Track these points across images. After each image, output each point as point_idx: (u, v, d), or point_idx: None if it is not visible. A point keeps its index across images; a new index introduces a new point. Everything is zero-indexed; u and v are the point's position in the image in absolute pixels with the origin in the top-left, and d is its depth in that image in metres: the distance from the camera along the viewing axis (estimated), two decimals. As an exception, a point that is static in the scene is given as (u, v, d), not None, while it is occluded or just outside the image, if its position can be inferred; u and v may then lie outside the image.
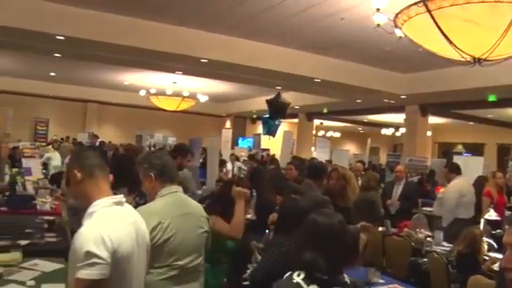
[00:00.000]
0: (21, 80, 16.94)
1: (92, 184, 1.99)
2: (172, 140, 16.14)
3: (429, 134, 16.50)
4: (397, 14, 4.79)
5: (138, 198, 3.66)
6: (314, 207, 2.55)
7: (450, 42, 4.48)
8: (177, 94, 15.96)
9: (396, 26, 5.05)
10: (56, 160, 9.48)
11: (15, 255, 3.19)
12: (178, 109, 17.11)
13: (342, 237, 2.19)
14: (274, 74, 10.57)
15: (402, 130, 16.78)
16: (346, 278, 2.13)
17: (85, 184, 1.99)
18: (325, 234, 2.14)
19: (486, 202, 6.77)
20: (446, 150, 20.55)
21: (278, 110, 12.55)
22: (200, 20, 8.53)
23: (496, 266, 4.34)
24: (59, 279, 2.85)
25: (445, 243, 5.54)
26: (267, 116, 12.94)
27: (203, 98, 16.53)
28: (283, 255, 2.73)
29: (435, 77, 10.70)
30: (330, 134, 24.56)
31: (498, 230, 5.84)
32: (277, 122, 12.68)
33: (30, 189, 6.16)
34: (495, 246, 5.23)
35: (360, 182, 7.01)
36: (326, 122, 22.03)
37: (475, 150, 18.68)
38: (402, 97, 12.28)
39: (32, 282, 2.81)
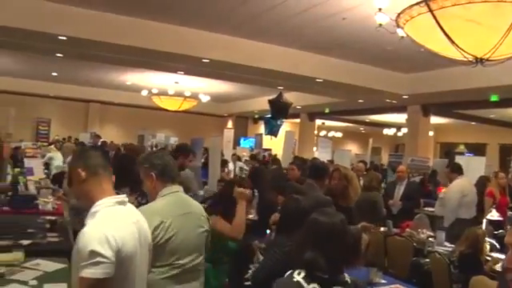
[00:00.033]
0: (23, 80, 16.96)
1: (95, 183, 2.00)
2: (174, 140, 16.13)
3: (431, 134, 16.47)
4: (399, 14, 4.78)
5: (140, 197, 3.66)
6: (316, 207, 2.54)
7: (452, 42, 4.47)
8: (179, 94, 15.96)
9: (398, 26, 5.05)
10: (58, 160, 9.49)
11: (17, 255, 3.20)
12: (180, 109, 17.12)
13: (342, 236, 2.19)
14: (276, 74, 10.57)
15: (404, 130, 16.76)
16: (347, 278, 2.14)
17: (88, 183, 1.99)
18: (326, 233, 2.15)
19: (489, 202, 6.77)
20: (448, 150, 20.54)
21: (280, 110, 12.57)
22: (202, 20, 8.53)
23: (498, 267, 4.33)
24: (61, 279, 2.86)
25: (447, 243, 5.54)
26: (269, 116, 12.96)
27: (205, 98, 16.54)
28: (285, 255, 2.73)
29: (437, 77, 10.68)
30: (331, 134, 24.54)
31: (501, 231, 5.82)
32: (279, 122, 12.71)
33: (32, 189, 6.16)
34: (497, 246, 5.22)
35: (362, 182, 7.01)
36: (328, 122, 22.02)
37: (477, 150, 18.64)
38: (404, 97, 12.27)
39: (34, 282, 2.81)
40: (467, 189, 6.52)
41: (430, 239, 5.64)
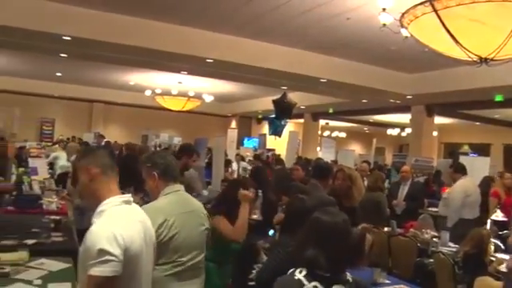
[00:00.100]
0: (27, 80, 17.01)
1: (103, 182, 2.01)
2: (177, 140, 16.16)
3: (435, 134, 16.44)
4: (403, 14, 4.77)
5: (146, 197, 3.66)
6: (320, 207, 2.54)
7: (457, 42, 4.46)
8: (182, 94, 15.98)
9: (402, 26, 5.04)
10: (63, 159, 9.50)
11: (22, 254, 3.20)
12: (184, 109, 17.15)
13: (344, 236, 2.20)
14: (280, 74, 10.57)
15: (408, 131, 16.74)
16: (349, 277, 2.15)
17: (96, 182, 2.01)
18: (327, 232, 2.16)
19: (493, 203, 6.75)
20: (452, 151, 20.46)
21: (284, 110, 12.56)
22: (205, 20, 8.53)
23: (502, 267, 4.32)
24: (66, 278, 2.87)
25: (451, 244, 5.52)
26: (273, 116, 12.95)
27: (209, 98, 16.55)
28: (289, 255, 2.73)
29: (441, 77, 10.66)
30: (335, 134, 24.53)
31: (505, 231, 5.81)
32: (283, 122, 12.70)
33: (37, 188, 6.17)
34: (502, 246, 5.20)
35: (366, 183, 7.00)
36: (332, 122, 22.01)
37: (481, 150, 18.61)
38: (408, 97, 12.25)
39: (39, 281, 2.82)
40: (471, 189, 6.51)
41: (434, 239, 5.63)
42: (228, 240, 3.44)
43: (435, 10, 4.27)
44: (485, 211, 6.56)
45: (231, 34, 9.29)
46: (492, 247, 4.88)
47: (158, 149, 11.81)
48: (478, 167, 8.54)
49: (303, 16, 7.72)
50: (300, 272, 2.11)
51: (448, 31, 4.37)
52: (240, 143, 19.44)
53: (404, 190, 7.00)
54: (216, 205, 3.81)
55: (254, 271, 3.30)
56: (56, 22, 7.87)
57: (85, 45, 8.94)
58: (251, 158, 13.97)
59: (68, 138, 16.99)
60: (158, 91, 16.02)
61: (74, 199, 4.91)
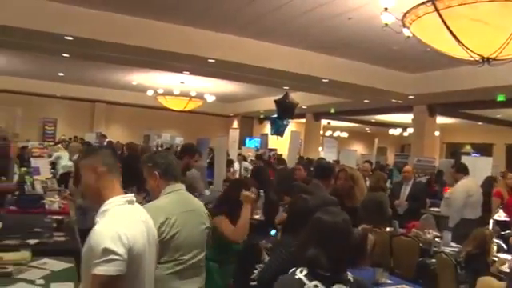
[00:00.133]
0: (29, 80, 17.04)
1: (107, 182, 2.02)
2: (179, 140, 16.18)
3: (437, 134, 16.41)
4: (405, 14, 4.77)
5: (148, 197, 3.67)
6: (322, 207, 2.54)
7: (459, 42, 4.45)
8: (184, 94, 15.98)
9: (404, 26, 5.03)
10: (65, 159, 9.52)
11: (24, 254, 3.21)
12: (186, 109, 17.15)
13: (345, 235, 2.20)
14: (282, 73, 10.56)
15: (410, 130, 16.71)
16: (350, 276, 2.16)
17: (101, 181, 2.01)
18: (328, 231, 2.17)
19: (496, 203, 6.74)
20: (454, 151, 20.47)
21: (286, 110, 12.57)
22: (208, 20, 8.54)
23: (504, 267, 4.31)
24: (68, 278, 2.88)
25: (453, 244, 5.51)
26: (275, 116, 12.96)
27: (210, 98, 16.55)
28: (291, 255, 2.73)
29: (443, 76, 10.64)
30: (337, 133, 24.51)
31: (508, 231, 5.79)
32: (285, 122, 12.71)
33: (39, 188, 6.19)
34: (504, 246, 5.19)
35: (368, 183, 6.99)
36: (334, 122, 22.00)
37: (484, 150, 18.57)
38: (410, 97, 12.23)
39: (41, 281, 2.82)
40: (473, 189, 6.49)
41: (436, 239, 5.62)
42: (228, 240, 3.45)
43: (437, 10, 4.27)
44: (487, 211, 6.54)
45: (233, 33, 9.29)
46: (494, 247, 4.87)
47: (159, 149, 11.81)
48: (481, 167, 8.53)
49: (305, 16, 7.72)
50: (301, 271, 2.12)
51: (450, 31, 4.36)
52: (242, 143, 19.44)
53: (406, 190, 6.99)
54: (218, 205, 3.81)
55: (255, 271, 3.30)
56: (58, 22, 7.88)
57: (87, 45, 8.95)
58: (253, 158, 13.97)
59: (70, 138, 17.00)
60: (160, 91, 16.02)
61: (76, 199, 4.92)
